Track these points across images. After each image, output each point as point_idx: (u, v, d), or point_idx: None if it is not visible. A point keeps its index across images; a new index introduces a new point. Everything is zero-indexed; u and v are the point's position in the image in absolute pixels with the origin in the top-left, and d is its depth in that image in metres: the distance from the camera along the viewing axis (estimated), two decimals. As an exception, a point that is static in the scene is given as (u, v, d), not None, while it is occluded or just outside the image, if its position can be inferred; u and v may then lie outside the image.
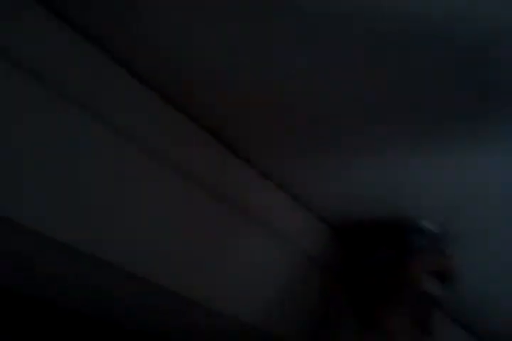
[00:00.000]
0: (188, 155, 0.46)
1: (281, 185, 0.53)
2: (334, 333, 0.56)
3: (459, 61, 0.35)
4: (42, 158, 0.36)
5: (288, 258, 0.55)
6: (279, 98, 0.42)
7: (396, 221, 0.55)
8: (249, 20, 0.35)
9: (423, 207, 0.53)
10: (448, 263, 0.54)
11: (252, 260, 0.51)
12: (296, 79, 0.40)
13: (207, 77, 0.41)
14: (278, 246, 0.54)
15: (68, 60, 0.38)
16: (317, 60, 0.37)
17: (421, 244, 0.54)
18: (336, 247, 0.59)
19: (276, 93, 0.42)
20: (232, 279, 0.49)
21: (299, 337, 0.54)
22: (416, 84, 0.38)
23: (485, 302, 0.69)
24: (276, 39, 0.36)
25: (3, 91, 0.35)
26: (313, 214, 0.57)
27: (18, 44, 0.35)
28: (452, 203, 0.51)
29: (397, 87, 0.39)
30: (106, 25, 0.38)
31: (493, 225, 0.53)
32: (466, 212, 0.52)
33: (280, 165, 0.51)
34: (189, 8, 0.35)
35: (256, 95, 0.42)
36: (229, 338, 0.55)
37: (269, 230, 0.53)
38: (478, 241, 0.56)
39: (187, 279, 0.45)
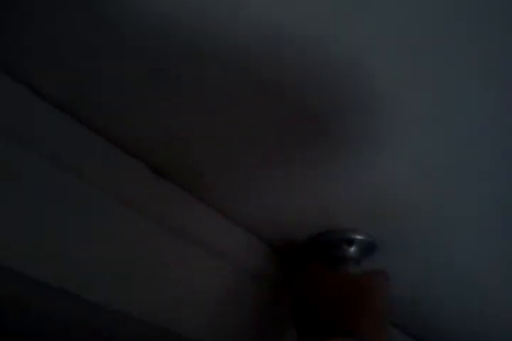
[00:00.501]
0: (119, 180, 0.47)
1: (218, 208, 0.55)
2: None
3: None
4: None
5: (229, 276, 0.56)
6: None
7: (327, 234, 0.57)
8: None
9: (350, 218, 0.56)
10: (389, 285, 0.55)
11: (194, 278, 0.52)
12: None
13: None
14: (219, 266, 0.55)
15: None
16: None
17: (351, 254, 0.57)
18: (276, 266, 0.61)
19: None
20: (173, 297, 0.49)
21: None
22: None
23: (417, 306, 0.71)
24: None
25: None
26: (249, 234, 0.59)
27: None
28: (376, 214, 0.54)
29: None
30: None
31: (415, 233, 0.56)
32: (389, 221, 0.55)
33: (214, 188, 0.53)
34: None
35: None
36: None
37: (208, 250, 0.54)
38: (402, 248, 0.58)
39: (128, 297, 0.45)
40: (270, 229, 0.59)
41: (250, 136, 0.46)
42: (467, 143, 0.44)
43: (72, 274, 0.42)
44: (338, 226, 0.57)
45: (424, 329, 0.78)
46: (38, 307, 0.45)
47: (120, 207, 0.46)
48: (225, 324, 0.53)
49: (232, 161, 0.49)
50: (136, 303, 0.45)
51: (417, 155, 0.46)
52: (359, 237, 0.57)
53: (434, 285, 0.64)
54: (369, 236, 0.57)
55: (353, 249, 0.57)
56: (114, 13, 0.35)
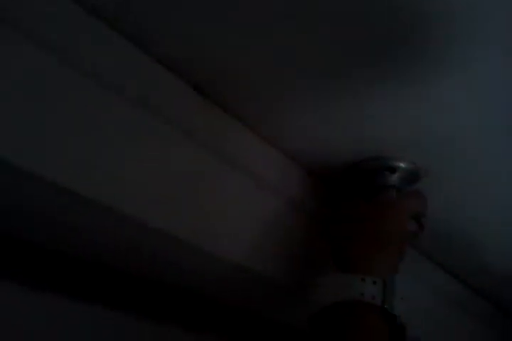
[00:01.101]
0: (165, 100, 0.46)
1: (259, 131, 0.54)
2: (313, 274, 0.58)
3: None
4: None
5: (268, 201, 0.56)
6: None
7: (368, 161, 0.56)
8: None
9: (393, 146, 0.54)
10: (424, 203, 0.55)
11: (235, 202, 0.52)
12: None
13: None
14: (259, 191, 0.54)
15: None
16: None
17: (393, 182, 0.55)
18: (315, 192, 0.60)
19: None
20: (214, 219, 0.49)
21: (286, 277, 0.56)
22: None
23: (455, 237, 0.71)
24: None
25: None
26: (289, 159, 0.58)
27: None
28: (420, 140, 0.52)
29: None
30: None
31: (460, 161, 0.55)
32: (434, 149, 0.53)
33: (256, 110, 0.51)
34: None
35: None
36: (217, 279, 0.56)
37: (248, 174, 0.53)
38: (446, 177, 0.57)
39: (173, 218, 0.45)
40: (311, 155, 0.58)
41: (296, 56, 0.43)
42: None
43: (122, 194, 0.42)
44: (381, 154, 0.55)
45: (459, 260, 0.78)
46: (85, 227, 0.46)
47: (165, 126, 0.46)
48: (262, 248, 0.54)
49: (275, 81, 0.47)
50: (179, 224, 0.45)
51: (472, 87, 0.44)
52: (402, 165, 0.55)
53: (474, 215, 0.63)
54: (413, 164, 0.55)
55: (395, 177, 0.55)
56: None
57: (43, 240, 0.49)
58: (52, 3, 0.38)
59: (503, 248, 0.71)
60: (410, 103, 0.47)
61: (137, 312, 0.58)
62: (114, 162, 0.41)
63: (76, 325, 0.53)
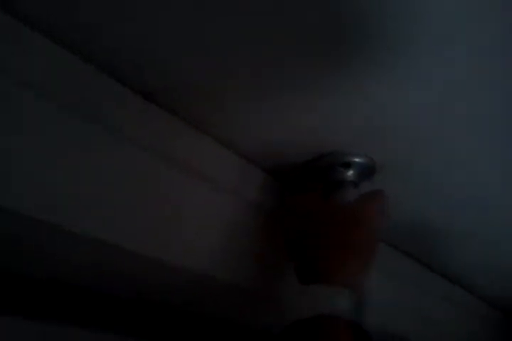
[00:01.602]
0: (109, 107, 0.44)
1: (212, 134, 0.53)
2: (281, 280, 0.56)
3: None
4: None
5: (225, 204, 0.54)
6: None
7: (323, 158, 0.55)
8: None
9: (347, 142, 0.54)
10: (386, 202, 0.54)
11: (191, 208, 0.50)
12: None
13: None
14: (215, 194, 0.53)
15: None
16: None
17: (349, 177, 0.55)
18: (275, 192, 0.60)
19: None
20: (168, 228, 0.48)
21: (252, 284, 0.54)
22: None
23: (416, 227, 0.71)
24: None
25: None
26: (245, 159, 0.57)
27: None
28: (375, 135, 0.52)
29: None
30: None
31: (415, 155, 0.55)
32: (387, 142, 0.53)
33: (208, 113, 0.50)
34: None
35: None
36: (180, 289, 0.55)
37: (203, 178, 0.52)
38: (402, 170, 0.57)
39: (124, 230, 0.44)
40: (266, 154, 0.57)
41: (243, 51, 0.42)
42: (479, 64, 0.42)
43: (66, 208, 0.40)
44: (336, 149, 0.55)
45: (421, 250, 0.78)
46: (33, 245, 0.44)
47: (111, 135, 0.44)
48: (224, 255, 0.53)
49: (224, 82, 0.46)
50: (131, 235, 0.44)
51: (426, 78, 0.44)
52: (357, 160, 0.55)
53: (433, 207, 0.64)
54: (367, 158, 0.55)
55: (350, 173, 0.55)
56: None
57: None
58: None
59: (465, 236, 0.71)
60: (361, 98, 0.47)
61: (102, 327, 0.56)
62: (53, 175, 0.40)
63: None
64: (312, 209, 0.52)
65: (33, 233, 0.42)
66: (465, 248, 0.76)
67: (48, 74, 0.41)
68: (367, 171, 0.56)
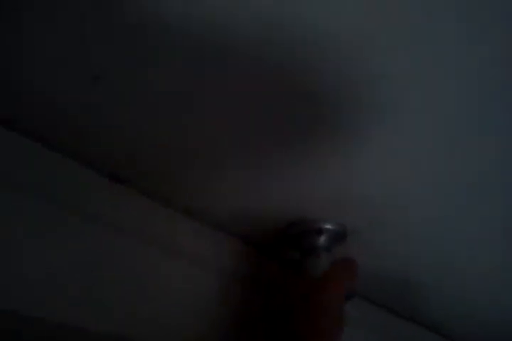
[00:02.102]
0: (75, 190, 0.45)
1: (182, 208, 0.54)
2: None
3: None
4: None
5: (202, 278, 0.55)
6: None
7: (295, 225, 0.57)
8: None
9: (318, 209, 0.55)
10: (356, 271, 0.55)
11: (165, 285, 0.51)
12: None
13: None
14: (191, 269, 0.53)
15: None
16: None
17: (321, 243, 0.56)
18: (250, 261, 0.60)
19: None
20: (142, 308, 0.48)
21: None
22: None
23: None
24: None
25: None
26: (219, 230, 0.58)
27: None
28: (343, 201, 0.54)
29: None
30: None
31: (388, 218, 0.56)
32: (358, 208, 0.55)
33: (177, 188, 0.51)
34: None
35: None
36: None
37: (177, 253, 0.53)
38: (374, 234, 0.59)
39: (97, 314, 0.44)
40: (239, 222, 0.58)
41: (204, 129, 0.44)
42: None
43: (34, 296, 0.40)
44: (308, 216, 0.56)
45: (396, 309, 0.79)
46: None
47: (77, 218, 0.45)
48: (202, 330, 0.52)
49: (186, 157, 0.47)
50: (106, 320, 0.44)
51: (399, 148, 0.46)
52: (328, 226, 0.56)
53: (405, 270, 0.65)
54: (338, 225, 0.57)
55: (323, 239, 0.57)
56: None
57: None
58: None
59: (439, 290, 0.73)
60: (335, 168, 0.49)
61: None
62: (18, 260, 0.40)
63: None
64: (286, 286, 0.53)
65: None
66: (441, 301, 0.77)
67: (13, 163, 0.42)
68: (339, 236, 0.58)
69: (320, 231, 0.56)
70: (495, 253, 0.61)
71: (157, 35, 0.35)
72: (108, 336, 0.43)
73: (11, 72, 0.38)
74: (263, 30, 0.34)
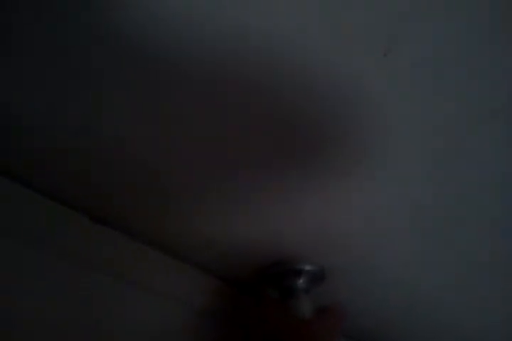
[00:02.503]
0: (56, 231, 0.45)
1: (161, 247, 0.54)
2: None
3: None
4: None
5: (180, 317, 0.55)
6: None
7: (275, 266, 0.57)
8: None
9: (296, 250, 0.56)
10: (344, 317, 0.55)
11: (142, 327, 0.50)
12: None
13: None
14: (169, 308, 0.53)
15: None
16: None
17: (300, 285, 0.57)
18: (231, 300, 0.60)
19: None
20: None
21: None
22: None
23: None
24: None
25: None
26: (197, 270, 0.58)
27: None
28: (321, 242, 0.54)
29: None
30: None
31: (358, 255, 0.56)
32: (334, 248, 0.55)
33: (150, 226, 0.51)
34: None
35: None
36: None
37: (153, 293, 0.52)
38: (352, 275, 0.59)
39: None
40: (218, 262, 0.58)
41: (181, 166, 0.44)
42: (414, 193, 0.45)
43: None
44: (287, 257, 0.57)
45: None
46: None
47: (52, 255, 0.45)
48: None
49: (167, 198, 0.48)
50: None
51: (379, 188, 0.47)
52: (307, 268, 0.57)
53: (383, 311, 0.66)
54: (317, 266, 0.57)
55: (301, 280, 0.57)
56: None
57: None
58: None
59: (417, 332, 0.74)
60: (312, 208, 0.50)
61: None
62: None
63: None
64: (272, 323, 0.53)
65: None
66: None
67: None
68: (317, 278, 0.58)
69: (299, 273, 0.57)
70: (473, 297, 0.62)
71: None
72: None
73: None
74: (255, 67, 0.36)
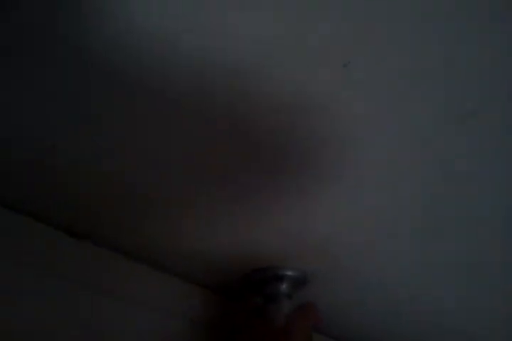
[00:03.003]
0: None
1: (144, 259, 0.55)
2: None
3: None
4: None
5: (166, 325, 0.56)
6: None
7: (257, 273, 0.58)
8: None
9: (278, 256, 0.57)
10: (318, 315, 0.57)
11: (133, 337, 0.52)
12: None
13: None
14: (153, 318, 0.54)
15: None
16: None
17: (283, 290, 0.58)
18: (214, 306, 0.61)
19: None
20: None
21: None
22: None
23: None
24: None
25: None
26: (179, 279, 0.59)
27: None
28: (302, 248, 0.55)
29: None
30: None
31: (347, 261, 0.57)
32: (316, 253, 0.56)
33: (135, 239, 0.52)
34: None
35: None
36: None
37: (137, 303, 0.53)
38: (334, 280, 0.60)
39: None
40: (201, 271, 0.59)
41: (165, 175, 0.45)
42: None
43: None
44: (270, 264, 0.58)
45: None
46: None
47: (34, 273, 0.46)
48: None
49: (147, 209, 0.49)
50: None
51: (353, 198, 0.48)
52: (289, 273, 0.58)
53: (365, 314, 0.67)
54: (299, 271, 0.58)
55: (284, 285, 0.58)
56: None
57: None
58: None
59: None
60: (293, 214, 0.50)
61: None
62: None
63: None
64: (250, 333, 0.54)
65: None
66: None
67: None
68: (299, 283, 0.59)
69: (281, 278, 0.58)
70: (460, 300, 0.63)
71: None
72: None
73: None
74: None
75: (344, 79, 0.37)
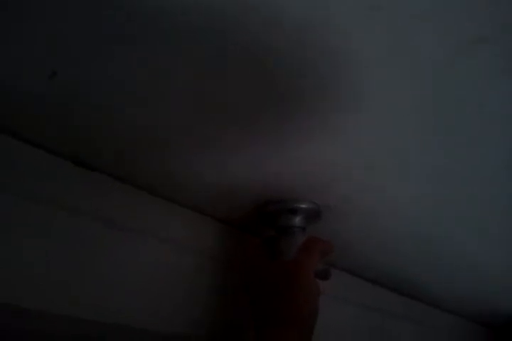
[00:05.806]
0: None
1: (157, 192, 0.55)
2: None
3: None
4: None
5: (179, 259, 0.56)
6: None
7: (270, 205, 0.58)
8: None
9: (292, 188, 0.56)
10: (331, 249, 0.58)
11: (145, 269, 0.52)
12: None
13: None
14: (168, 251, 0.55)
15: None
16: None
17: (297, 223, 0.58)
18: (228, 241, 0.62)
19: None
20: (123, 292, 0.49)
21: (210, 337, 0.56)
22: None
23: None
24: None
25: None
26: (192, 211, 0.59)
27: None
28: (316, 180, 0.54)
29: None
30: None
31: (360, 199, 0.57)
32: (331, 186, 0.55)
33: (148, 172, 0.52)
34: None
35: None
36: None
37: (153, 236, 0.54)
38: (347, 212, 0.60)
39: (77, 301, 0.45)
40: (214, 203, 0.59)
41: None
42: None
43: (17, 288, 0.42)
44: (283, 197, 0.58)
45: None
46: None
47: (47, 206, 0.46)
48: (184, 311, 0.55)
49: (162, 143, 0.48)
50: (81, 304, 0.46)
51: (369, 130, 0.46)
52: (302, 206, 0.58)
53: (376, 246, 0.67)
54: (313, 204, 0.58)
55: (297, 218, 0.58)
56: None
57: None
58: None
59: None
60: (306, 147, 0.49)
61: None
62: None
63: None
64: (258, 267, 0.55)
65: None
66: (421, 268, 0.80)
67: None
68: (313, 215, 0.59)
69: (294, 211, 0.58)
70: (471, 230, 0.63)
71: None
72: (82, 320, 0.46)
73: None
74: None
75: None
